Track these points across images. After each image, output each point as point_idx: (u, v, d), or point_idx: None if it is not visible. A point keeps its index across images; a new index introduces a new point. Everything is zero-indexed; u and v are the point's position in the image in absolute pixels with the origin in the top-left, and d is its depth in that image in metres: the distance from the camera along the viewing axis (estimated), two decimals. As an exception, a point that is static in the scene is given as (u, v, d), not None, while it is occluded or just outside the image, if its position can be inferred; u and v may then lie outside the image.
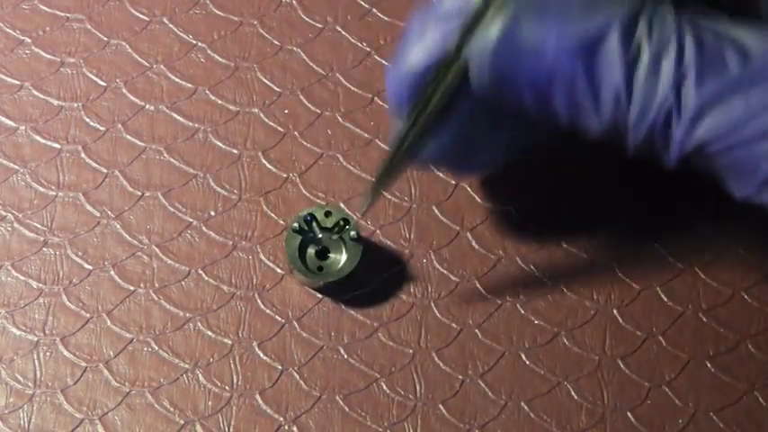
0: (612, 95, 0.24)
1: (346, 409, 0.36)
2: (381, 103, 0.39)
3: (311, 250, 0.36)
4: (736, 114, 0.23)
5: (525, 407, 0.36)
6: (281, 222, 0.38)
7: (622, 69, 0.24)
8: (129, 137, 0.39)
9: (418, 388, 0.36)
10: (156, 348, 0.36)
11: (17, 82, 0.39)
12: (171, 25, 0.41)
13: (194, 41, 0.40)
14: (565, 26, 0.23)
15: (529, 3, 0.24)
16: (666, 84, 0.23)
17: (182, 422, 0.35)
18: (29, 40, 0.40)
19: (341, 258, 0.35)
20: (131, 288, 0.37)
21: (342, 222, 0.35)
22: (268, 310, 0.37)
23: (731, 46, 0.23)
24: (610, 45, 0.23)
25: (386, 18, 0.41)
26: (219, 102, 0.39)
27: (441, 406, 0.36)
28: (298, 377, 0.36)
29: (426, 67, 0.27)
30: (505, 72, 0.25)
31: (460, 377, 0.36)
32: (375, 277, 0.37)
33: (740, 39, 0.24)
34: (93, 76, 0.40)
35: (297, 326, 0.37)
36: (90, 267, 0.37)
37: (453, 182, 0.38)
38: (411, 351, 0.36)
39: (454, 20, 0.25)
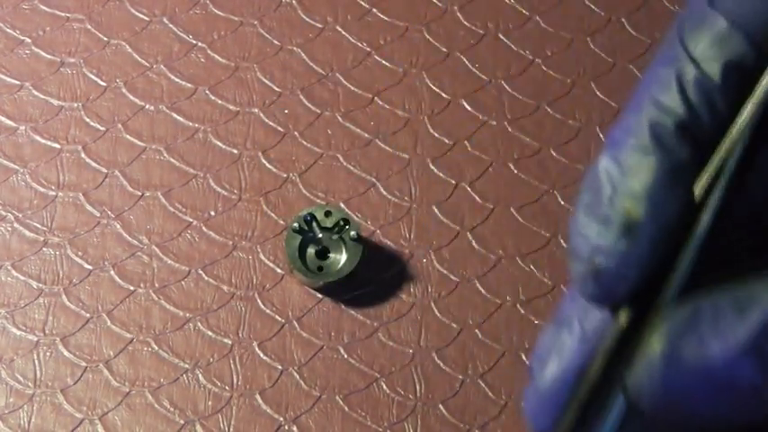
0: None
1: (346, 409, 0.36)
2: (381, 103, 0.39)
3: (311, 250, 0.36)
4: None
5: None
6: (281, 222, 0.38)
7: None
8: (129, 137, 0.39)
9: (418, 388, 0.36)
10: (156, 348, 0.36)
11: (17, 82, 0.39)
12: (171, 25, 0.41)
13: (194, 41, 0.40)
14: (726, 336, 0.21)
15: (684, 317, 0.21)
16: None
17: (182, 422, 0.35)
18: (29, 40, 0.40)
19: (341, 258, 0.35)
20: (131, 288, 0.37)
21: (342, 222, 0.35)
22: (268, 310, 0.37)
23: None
24: None
25: (386, 18, 0.41)
26: (219, 102, 0.39)
27: (441, 406, 0.36)
28: (298, 377, 0.36)
29: (564, 386, 0.23)
30: (678, 392, 0.21)
31: (460, 377, 0.36)
32: (375, 277, 0.37)
33: None
34: (93, 76, 0.40)
35: (297, 326, 0.37)
36: (90, 267, 0.37)
37: (453, 182, 0.38)
38: (411, 351, 0.36)
39: (591, 340, 0.22)
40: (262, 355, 0.36)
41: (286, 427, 0.35)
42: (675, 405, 0.22)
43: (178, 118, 0.39)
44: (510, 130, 0.39)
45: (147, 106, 0.39)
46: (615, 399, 0.22)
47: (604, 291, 0.22)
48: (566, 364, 0.22)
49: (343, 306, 0.37)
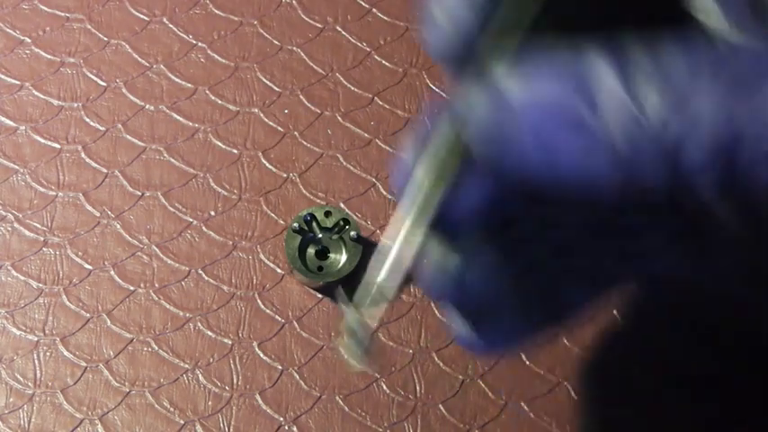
0: (622, 119, 0.21)
1: (346, 409, 0.36)
2: (381, 103, 0.39)
3: (311, 250, 0.36)
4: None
5: (525, 407, 0.36)
6: (281, 222, 0.38)
7: (623, 96, 0.21)
8: (129, 137, 0.39)
9: (418, 388, 0.36)
10: (156, 348, 0.36)
11: (17, 82, 0.39)
12: (171, 25, 0.41)
13: (194, 41, 0.40)
14: (552, 69, 0.22)
15: (517, 57, 0.22)
16: (670, 99, 0.21)
17: (182, 422, 0.35)
18: (29, 40, 0.40)
19: (341, 258, 0.35)
20: (131, 288, 0.37)
21: (342, 222, 0.35)
22: (268, 310, 0.37)
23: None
24: (603, 76, 0.21)
25: (386, 18, 0.41)
26: (219, 102, 0.39)
27: (441, 406, 0.36)
28: (298, 377, 0.36)
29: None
30: (504, 134, 0.22)
31: (460, 377, 0.36)
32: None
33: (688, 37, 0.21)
34: (93, 76, 0.40)
35: (297, 326, 0.37)
36: (90, 267, 0.37)
37: (453, 182, 0.38)
38: (411, 351, 0.36)
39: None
40: (262, 355, 0.36)
41: (286, 427, 0.35)
42: (504, 145, 0.22)
43: (178, 118, 0.39)
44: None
45: (147, 106, 0.39)
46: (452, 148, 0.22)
47: (444, 42, 0.23)
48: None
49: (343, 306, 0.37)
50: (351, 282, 0.36)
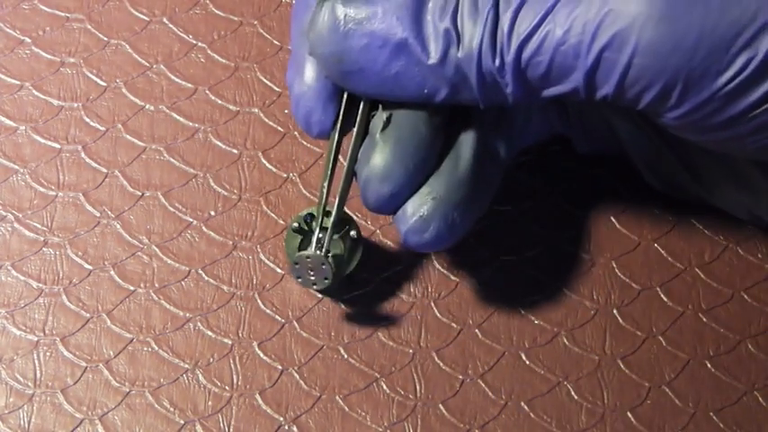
0: (442, 39, 0.27)
1: (346, 409, 0.36)
2: (381, 103, 0.39)
3: (311, 250, 0.36)
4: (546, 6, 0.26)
5: (525, 407, 0.36)
6: (281, 222, 0.38)
7: (447, 15, 0.27)
8: (129, 137, 0.39)
9: (418, 388, 0.36)
10: (156, 348, 0.36)
11: (17, 82, 0.39)
12: (171, 25, 0.41)
13: (194, 41, 0.40)
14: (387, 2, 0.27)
15: None
16: (483, 28, 0.26)
17: (182, 422, 0.35)
18: (29, 40, 0.40)
19: (341, 258, 0.35)
20: (131, 288, 0.37)
21: (342, 222, 0.35)
22: (268, 310, 0.37)
23: None
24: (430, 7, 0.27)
25: (386, 18, 0.41)
26: (219, 102, 0.39)
27: (441, 406, 0.36)
28: (298, 377, 0.36)
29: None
30: (345, 58, 0.28)
31: (460, 377, 0.36)
32: (375, 277, 0.37)
33: None
34: (93, 76, 0.40)
35: (297, 326, 0.37)
36: (90, 267, 0.37)
37: (453, 182, 0.38)
38: (411, 351, 0.36)
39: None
40: (262, 355, 0.36)
41: (286, 427, 0.35)
42: (341, 61, 0.28)
43: (178, 118, 0.39)
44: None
45: (147, 106, 0.39)
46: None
47: None
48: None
49: (343, 306, 0.37)
50: (350, 282, 0.36)
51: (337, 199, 0.32)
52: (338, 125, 0.30)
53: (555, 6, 0.25)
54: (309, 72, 0.30)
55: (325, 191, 0.32)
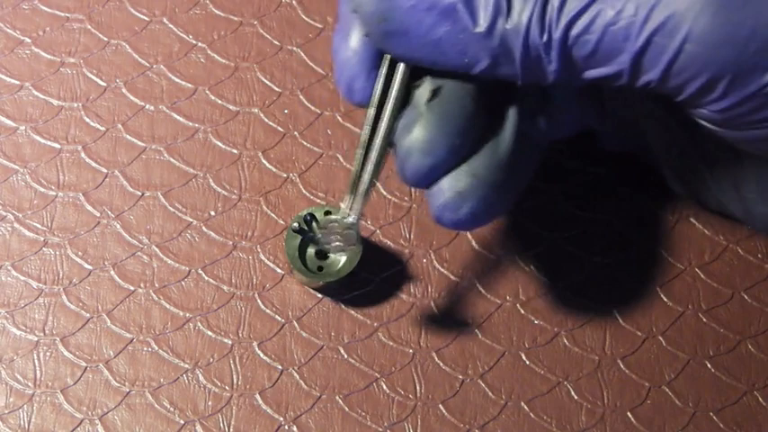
0: (491, 8, 0.26)
1: (346, 408, 0.36)
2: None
3: (311, 250, 0.36)
4: None
5: (525, 407, 0.36)
6: (281, 222, 0.38)
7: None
8: (129, 137, 0.39)
9: (418, 388, 0.36)
10: (156, 348, 0.36)
11: (17, 82, 0.39)
12: (171, 25, 0.41)
13: (194, 41, 0.40)
14: None
15: None
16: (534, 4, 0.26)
17: (182, 422, 0.35)
18: (29, 40, 0.40)
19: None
20: (131, 288, 0.37)
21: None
22: (268, 310, 0.37)
23: None
24: None
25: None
26: (219, 102, 0.39)
27: (441, 406, 0.36)
28: (298, 377, 0.36)
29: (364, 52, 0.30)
30: (389, 17, 0.27)
31: (460, 377, 0.36)
32: (375, 277, 0.37)
33: None
34: (93, 76, 0.40)
35: (297, 326, 0.37)
36: (90, 267, 0.37)
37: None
38: (411, 351, 0.36)
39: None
40: (262, 355, 0.36)
41: (286, 427, 0.35)
42: (389, 29, 0.27)
43: (178, 118, 0.39)
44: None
45: (147, 106, 0.39)
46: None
47: None
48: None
49: (343, 306, 0.37)
50: (350, 282, 0.36)
51: (372, 166, 0.30)
52: (378, 92, 0.29)
53: None
54: (355, 37, 0.29)
55: (361, 158, 0.31)
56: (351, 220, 0.32)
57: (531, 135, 0.31)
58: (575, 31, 0.25)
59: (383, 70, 0.29)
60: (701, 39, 0.24)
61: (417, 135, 0.29)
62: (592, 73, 0.26)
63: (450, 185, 0.29)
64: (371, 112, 0.30)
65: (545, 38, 0.26)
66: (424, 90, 0.29)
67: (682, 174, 0.35)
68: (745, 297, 0.37)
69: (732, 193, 0.34)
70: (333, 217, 0.32)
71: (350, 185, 0.31)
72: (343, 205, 0.32)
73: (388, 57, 0.29)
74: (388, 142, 0.30)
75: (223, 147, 0.39)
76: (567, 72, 0.27)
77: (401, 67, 0.29)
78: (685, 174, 0.35)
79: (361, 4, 0.27)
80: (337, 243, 0.33)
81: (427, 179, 0.29)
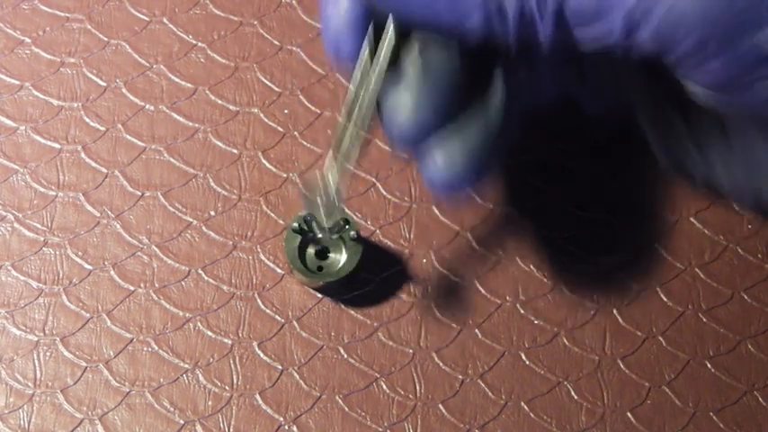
0: None
1: (346, 408, 0.36)
2: (381, 103, 0.39)
3: (311, 250, 0.36)
4: None
5: (525, 407, 0.36)
6: (281, 222, 0.38)
7: None
8: (129, 137, 0.39)
9: (418, 388, 0.36)
10: (156, 348, 0.36)
11: (17, 82, 0.39)
12: (171, 25, 0.41)
13: (194, 41, 0.40)
14: None
15: None
16: None
17: (182, 422, 0.35)
18: (29, 40, 0.40)
19: (341, 258, 0.35)
20: (131, 288, 0.37)
21: (342, 222, 0.35)
22: (268, 310, 0.37)
23: None
24: None
25: (386, 18, 0.41)
26: (219, 102, 0.39)
27: (441, 406, 0.36)
28: (298, 377, 0.36)
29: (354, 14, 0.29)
30: None
31: (460, 377, 0.36)
32: (375, 277, 0.37)
33: None
34: (93, 76, 0.40)
35: (297, 326, 0.37)
36: (90, 267, 0.37)
37: (453, 182, 0.38)
38: (411, 351, 0.36)
39: None
40: (262, 355, 0.36)
41: (286, 427, 0.35)
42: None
43: (178, 118, 0.39)
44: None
45: (147, 106, 0.39)
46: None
47: None
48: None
49: (343, 306, 0.37)
50: (350, 282, 0.36)
51: (356, 127, 0.30)
52: (366, 50, 0.29)
53: None
54: None
55: (345, 117, 0.30)
56: (333, 186, 0.31)
57: (518, 97, 0.31)
58: None
59: (371, 28, 0.29)
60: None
61: (404, 96, 0.29)
62: (584, 31, 0.26)
63: (439, 147, 0.29)
64: (358, 71, 0.29)
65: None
66: (409, 51, 0.29)
67: (668, 148, 0.35)
68: (745, 297, 0.37)
69: (719, 168, 0.34)
70: (316, 184, 0.32)
71: (333, 147, 0.31)
72: (324, 170, 0.32)
73: (377, 14, 0.29)
74: (375, 102, 0.30)
75: (223, 147, 0.39)
76: (560, 32, 0.27)
77: (390, 24, 0.28)
78: (671, 148, 0.35)
79: None
80: (321, 213, 0.33)
81: (414, 140, 0.29)
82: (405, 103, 0.29)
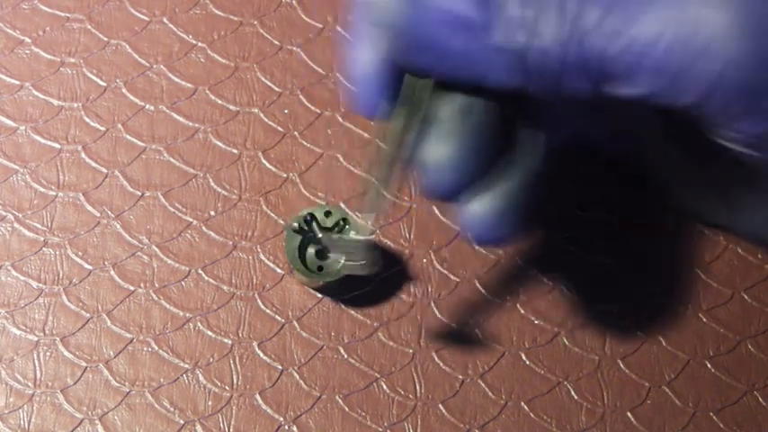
0: (515, 23, 0.25)
1: (346, 408, 0.36)
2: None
3: (311, 250, 0.36)
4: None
5: (525, 407, 0.36)
6: (281, 222, 0.38)
7: (521, 15, 0.25)
8: (129, 137, 0.39)
9: (418, 388, 0.36)
10: (156, 348, 0.36)
11: (17, 82, 0.39)
12: (171, 25, 0.41)
13: (194, 41, 0.40)
14: None
15: None
16: (563, 25, 0.25)
17: (182, 422, 0.35)
18: (29, 40, 0.40)
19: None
20: (131, 288, 0.37)
21: (342, 222, 0.35)
22: (268, 310, 0.37)
23: None
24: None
25: (386, 18, 0.41)
26: (219, 102, 0.39)
27: (441, 406, 0.36)
28: (298, 377, 0.36)
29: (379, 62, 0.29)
30: (406, 29, 0.26)
31: (460, 377, 0.36)
32: (375, 277, 0.37)
33: None
34: (93, 76, 0.40)
35: (297, 326, 0.37)
36: (90, 267, 0.37)
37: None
38: (411, 351, 0.36)
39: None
40: (262, 355, 0.36)
41: (286, 427, 0.35)
42: (401, 26, 0.26)
43: (178, 118, 0.39)
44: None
45: (147, 106, 0.39)
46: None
47: None
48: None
49: (343, 306, 0.37)
50: (350, 281, 0.36)
51: (391, 183, 0.29)
52: (400, 107, 0.28)
53: (636, 7, 0.24)
54: (374, 51, 0.28)
55: (385, 175, 0.29)
56: (367, 237, 0.31)
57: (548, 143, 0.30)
58: (600, 49, 0.25)
59: (404, 86, 0.28)
60: (739, 63, 0.24)
61: (441, 149, 0.28)
62: (616, 91, 0.26)
63: (481, 203, 0.28)
64: (393, 127, 0.29)
65: (571, 57, 0.25)
66: (448, 105, 0.28)
67: (689, 196, 0.35)
68: (745, 297, 0.37)
69: (742, 216, 0.33)
70: (349, 236, 0.33)
71: (369, 203, 0.30)
72: (359, 221, 0.31)
73: (407, 74, 0.28)
74: (409, 158, 0.29)
75: (223, 147, 0.39)
76: (592, 90, 0.26)
77: (423, 81, 0.28)
78: (693, 196, 0.34)
79: (377, 14, 0.27)
80: (345, 256, 0.33)
81: (451, 195, 0.28)
82: (443, 158, 0.28)
